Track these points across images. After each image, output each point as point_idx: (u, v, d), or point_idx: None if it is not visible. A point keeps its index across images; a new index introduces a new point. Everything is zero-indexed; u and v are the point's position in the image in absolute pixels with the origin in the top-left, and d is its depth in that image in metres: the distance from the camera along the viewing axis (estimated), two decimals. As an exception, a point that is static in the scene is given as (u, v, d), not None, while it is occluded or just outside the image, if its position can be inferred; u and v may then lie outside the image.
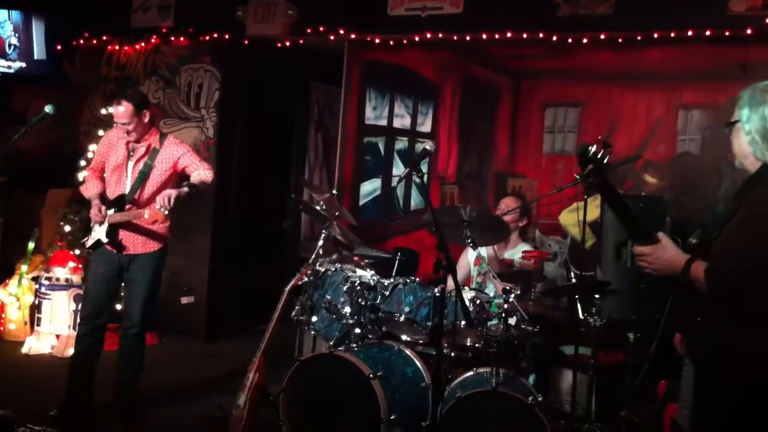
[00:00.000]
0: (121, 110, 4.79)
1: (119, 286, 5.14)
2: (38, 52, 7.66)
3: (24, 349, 6.49)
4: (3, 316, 6.86)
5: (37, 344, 6.53)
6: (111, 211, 4.91)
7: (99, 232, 4.94)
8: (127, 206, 4.90)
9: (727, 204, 2.95)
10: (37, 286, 6.70)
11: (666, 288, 2.94)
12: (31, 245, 6.97)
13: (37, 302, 6.68)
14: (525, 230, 5.59)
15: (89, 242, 5.01)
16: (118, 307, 5.57)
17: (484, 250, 5.09)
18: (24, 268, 6.89)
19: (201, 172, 4.98)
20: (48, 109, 4.23)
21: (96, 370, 5.02)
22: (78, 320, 5.09)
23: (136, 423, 4.96)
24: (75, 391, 4.94)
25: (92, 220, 4.98)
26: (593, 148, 2.74)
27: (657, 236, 2.82)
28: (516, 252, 5.35)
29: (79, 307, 5.73)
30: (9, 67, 7.54)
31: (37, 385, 5.46)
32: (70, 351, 5.94)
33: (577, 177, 2.84)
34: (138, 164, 4.94)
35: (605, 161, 2.74)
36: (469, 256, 5.40)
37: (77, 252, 6.79)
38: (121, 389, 5.03)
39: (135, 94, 4.96)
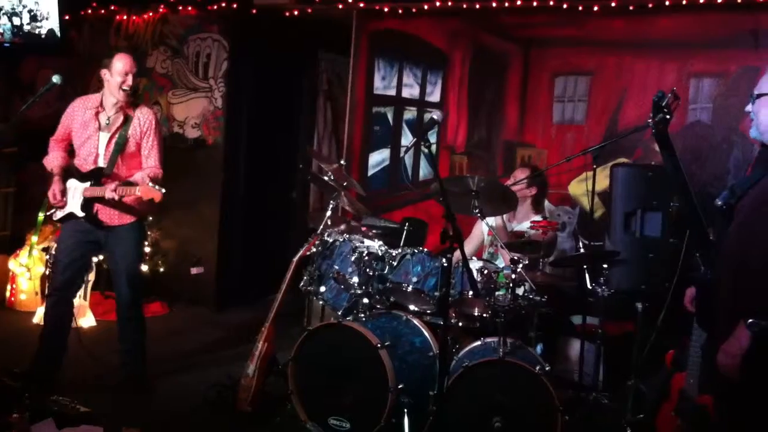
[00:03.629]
0: (129, 63, 4.73)
1: (91, 259, 5.07)
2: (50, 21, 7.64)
3: (35, 319, 6.52)
4: (14, 286, 6.91)
5: (48, 314, 6.57)
6: (87, 184, 4.80)
7: (72, 206, 4.84)
8: (103, 180, 4.78)
9: (754, 171, 2.98)
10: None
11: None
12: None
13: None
14: (538, 201, 5.52)
15: (59, 215, 4.92)
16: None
17: (492, 221, 5.07)
18: (34, 238, 6.92)
19: (143, 174, 4.81)
20: (55, 79, 4.22)
21: (67, 344, 5.02)
22: (46, 291, 5.03)
23: (146, 391, 5.00)
24: (42, 363, 4.92)
25: (49, 197, 4.86)
26: (668, 98, 2.96)
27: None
28: (529, 223, 5.32)
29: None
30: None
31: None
32: (81, 321, 6.00)
33: (649, 122, 3.02)
34: (114, 136, 4.82)
35: (674, 112, 2.98)
36: (483, 226, 5.38)
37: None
38: (127, 359, 5.07)
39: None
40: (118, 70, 4.73)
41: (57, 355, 4.97)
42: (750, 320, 2.69)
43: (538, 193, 5.46)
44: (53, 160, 4.94)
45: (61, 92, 7.92)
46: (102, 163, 4.84)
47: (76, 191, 4.84)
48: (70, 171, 4.92)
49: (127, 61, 4.75)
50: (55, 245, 5.29)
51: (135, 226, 4.97)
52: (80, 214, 4.82)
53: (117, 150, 4.82)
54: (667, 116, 2.97)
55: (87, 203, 4.81)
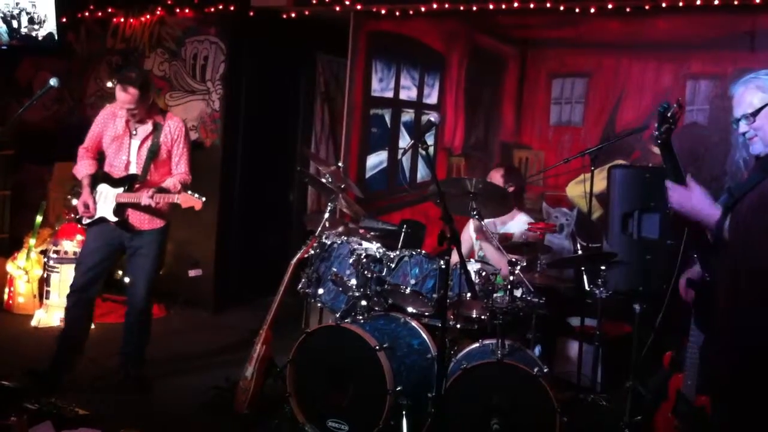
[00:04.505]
0: (127, 97, 4.73)
1: (115, 262, 5.15)
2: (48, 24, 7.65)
3: (33, 322, 6.53)
4: (12, 289, 6.90)
5: (45, 317, 6.56)
6: (120, 190, 4.90)
7: (104, 210, 4.93)
8: (136, 186, 4.89)
9: (753, 174, 3.01)
10: (46, 259, 6.73)
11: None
12: (38, 218, 7.00)
13: (45, 275, 6.72)
14: (519, 199, 5.50)
15: (87, 219, 5.00)
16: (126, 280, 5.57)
17: (472, 226, 5.08)
18: (32, 241, 6.92)
19: (174, 180, 4.96)
20: (53, 82, 4.22)
21: (84, 348, 5.09)
22: (68, 291, 5.06)
23: (144, 393, 5.01)
24: (58, 363, 4.96)
25: (78, 208, 4.97)
26: (673, 108, 3.01)
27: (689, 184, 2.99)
28: (516, 223, 5.30)
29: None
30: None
31: (46, 358, 5.49)
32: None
33: (655, 133, 3.06)
34: (145, 143, 4.93)
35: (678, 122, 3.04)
36: (471, 229, 5.37)
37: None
38: (128, 360, 5.10)
39: (140, 76, 4.83)
40: (117, 99, 4.82)
41: (71, 357, 5.01)
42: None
43: (517, 191, 5.42)
44: (84, 169, 5.05)
45: (58, 95, 7.96)
46: (134, 169, 4.94)
47: (108, 196, 4.94)
48: (98, 176, 5.02)
49: (121, 97, 4.76)
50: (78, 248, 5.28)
51: (163, 230, 5.08)
52: (113, 219, 4.91)
53: (150, 157, 4.92)
54: (673, 126, 3.01)
55: (119, 208, 4.90)
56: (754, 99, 2.93)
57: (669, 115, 3.00)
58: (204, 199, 4.77)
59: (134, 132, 4.94)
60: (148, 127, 4.94)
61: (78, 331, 5.04)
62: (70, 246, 6.62)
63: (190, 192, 4.76)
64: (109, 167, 5.01)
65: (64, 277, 6.56)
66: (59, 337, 5.08)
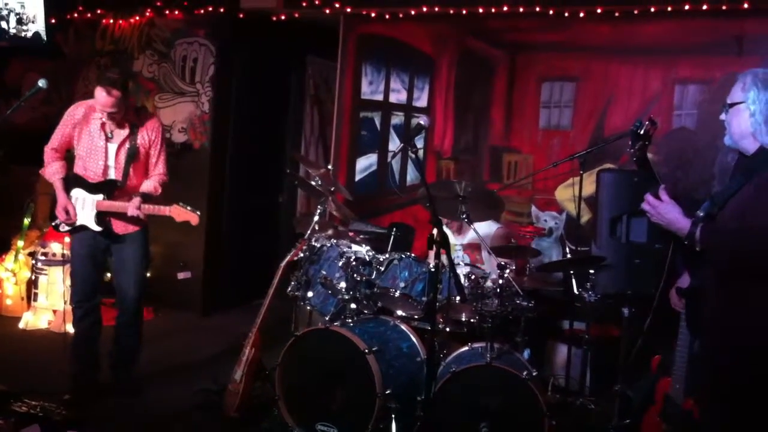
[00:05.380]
0: (110, 99, 4.54)
1: (104, 263, 5.03)
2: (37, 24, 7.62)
3: (21, 324, 6.51)
4: (0, 291, 6.87)
5: (33, 319, 6.55)
6: (99, 197, 4.76)
7: (84, 218, 4.80)
8: (116, 192, 4.78)
9: (732, 180, 3.03)
10: (34, 262, 6.71)
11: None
12: (26, 220, 6.97)
13: (33, 277, 6.70)
14: None
15: (66, 228, 4.86)
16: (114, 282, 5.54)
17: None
18: (20, 243, 6.89)
19: (155, 183, 4.89)
20: (41, 83, 4.20)
21: (99, 350, 5.03)
22: (72, 304, 4.97)
23: (133, 396, 4.99)
24: (83, 374, 4.93)
25: (57, 214, 4.78)
26: (646, 126, 3.12)
27: (661, 197, 3.05)
28: (482, 227, 5.23)
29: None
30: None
31: (34, 360, 5.48)
32: (68, 326, 5.96)
33: (630, 151, 3.19)
34: (123, 146, 4.78)
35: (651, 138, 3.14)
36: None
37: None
38: (119, 366, 5.07)
39: (122, 77, 4.67)
40: (98, 101, 4.62)
41: (93, 364, 4.99)
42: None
43: None
44: (55, 172, 4.85)
45: (47, 96, 7.94)
46: (113, 173, 4.80)
47: (86, 202, 4.79)
48: (69, 179, 4.84)
49: (102, 99, 4.57)
50: (67, 253, 5.17)
51: (144, 230, 4.99)
52: (97, 228, 4.80)
53: (129, 162, 4.79)
54: (647, 143, 3.12)
55: (101, 216, 4.79)
56: (734, 95, 2.98)
57: (642, 132, 3.12)
58: (198, 213, 4.69)
59: (110, 135, 4.77)
60: (125, 130, 4.77)
61: (91, 339, 4.97)
62: (58, 248, 6.59)
63: (181, 204, 4.68)
64: (83, 171, 4.82)
65: (52, 279, 6.55)
66: (74, 348, 4.98)
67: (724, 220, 2.89)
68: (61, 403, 4.47)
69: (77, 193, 4.81)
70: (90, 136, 4.78)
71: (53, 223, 4.95)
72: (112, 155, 4.79)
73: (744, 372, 2.81)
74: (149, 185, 4.86)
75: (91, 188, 4.80)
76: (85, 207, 4.79)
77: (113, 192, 4.78)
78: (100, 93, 4.56)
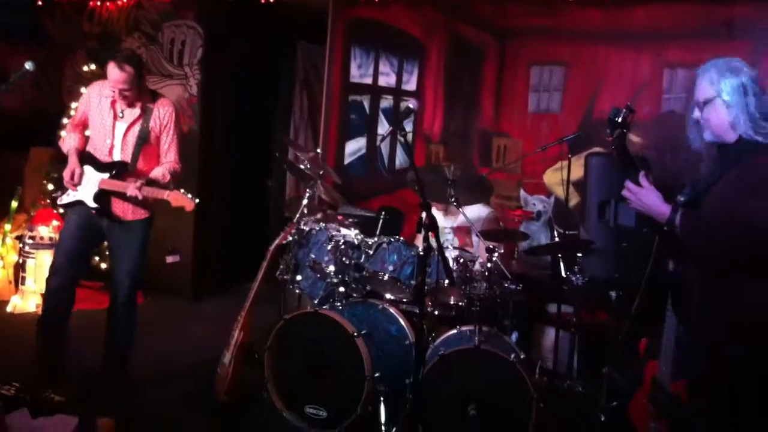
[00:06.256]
0: (122, 75, 4.42)
1: (94, 248, 4.91)
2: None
3: (9, 308, 6.49)
4: (-13, 275, 6.86)
5: (21, 303, 6.53)
6: (105, 175, 4.64)
7: (83, 194, 4.67)
8: (125, 174, 4.63)
9: (714, 168, 3.03)
10: (21, 245, 6.68)
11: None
12: (14, 204, 6.93)
13: (21, 261, 6.67)
14: None
15: (65, 199, 4.74)
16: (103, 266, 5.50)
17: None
18: (8, 227, 6.86)
19: (163, 170, 4.73)
20: (28, 65, 4.15)
21: (68, 333, 4.83)
22: (48, 274, 4.77)
23: (122, 381, 4.91)
24: (49, 354, 4.75)
25: (64, 175, 4.65)
26: (624, 113, 3.02)
27: (641, 183, 3.03)
28: (473, 211, 5.26)
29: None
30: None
31: (22, 344, 5.45)
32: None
33: (608, 140, 3.09)
34: (132, 127, 4.65)
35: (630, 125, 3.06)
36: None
37: (61, 210, 6.75)
38: (115, 350, 4.89)
39: (134, 56, 4.57)
40: (110, 78, 4.51)
41: (60, 345, 4.78)
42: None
43: None
44: (70, 141, 4.74)
45: (34, 80, 7.87)
46: (118, 154, 4.67)
47: (91, 179, 4.67)
48: (84, 157, 4.73)
49: (114, 76, 4.45)
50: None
51: (147, 222, 4.84)
52: (92, 204, 4.66)
53: (140, 144, 4.65)
54: (624, 130, 3.04)
55: (101, 195, 4.66)
56: (705, 91, 2.98)
57: (620, 120, 3.04)
58: (197, 200, 4.58)
59: (120, 115, 4.65)
60: (136, 110, 4.65)
61: (61, 315, 4.76)
62: (46, 232, 6.58)
63: (182, 191, 4.54)
64: (93, 149, 4.72)
65: (39, 263, 6.52)
66: (42, 325, 4.78)
67: (705, 207, 2.89)
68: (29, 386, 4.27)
69: (86, 169, 4.70)
70: (100, 113, 4.68)
71: (53, 195, 4.87)
72: (120, 135, 4.66)
73: (744, 371, 2.83)
74: (158, 171, 4.70)
75: (100, 167, 4.68)
76: (88, 183, 4.67)
77: (122, 174, 4.64)
78: (112, 68, 4.45)
